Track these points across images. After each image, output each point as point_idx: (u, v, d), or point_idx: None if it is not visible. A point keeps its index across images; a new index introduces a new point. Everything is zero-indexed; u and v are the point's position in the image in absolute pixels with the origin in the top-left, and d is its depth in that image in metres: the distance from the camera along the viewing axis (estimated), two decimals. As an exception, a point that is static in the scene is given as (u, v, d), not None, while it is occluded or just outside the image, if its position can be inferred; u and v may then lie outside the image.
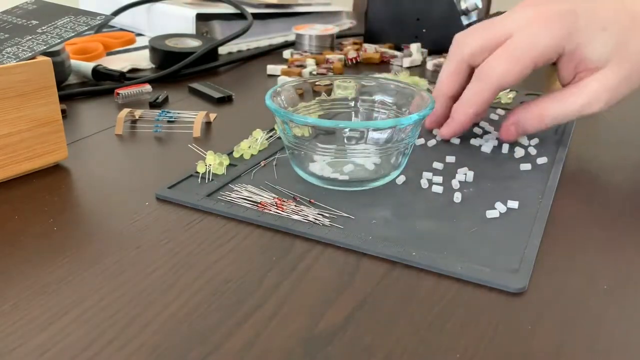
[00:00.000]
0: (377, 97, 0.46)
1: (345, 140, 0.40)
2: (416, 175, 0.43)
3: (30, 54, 0.43)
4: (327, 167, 0.41)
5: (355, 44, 0.86)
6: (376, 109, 0.46)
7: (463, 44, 0.46)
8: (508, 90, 0.62)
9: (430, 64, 0.75)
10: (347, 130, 0.40)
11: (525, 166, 0.44)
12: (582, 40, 0.43)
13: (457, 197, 0.39)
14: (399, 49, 0.83)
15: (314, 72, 0.70)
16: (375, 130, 0.39)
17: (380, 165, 0.41)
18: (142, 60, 0.76)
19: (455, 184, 0.41)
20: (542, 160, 0.45)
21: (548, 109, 0.45)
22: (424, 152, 0.47)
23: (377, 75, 0.65)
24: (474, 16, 0.83)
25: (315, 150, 0.40)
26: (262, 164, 0.44)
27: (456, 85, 0.47)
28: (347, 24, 1.04)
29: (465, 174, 0.42)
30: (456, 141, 0.49)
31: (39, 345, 0.26)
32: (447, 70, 0.47)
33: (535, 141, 0.49)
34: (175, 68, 0.68)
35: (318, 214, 0.37)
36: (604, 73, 0.43)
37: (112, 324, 0.27)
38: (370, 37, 0.86)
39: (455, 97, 0.48)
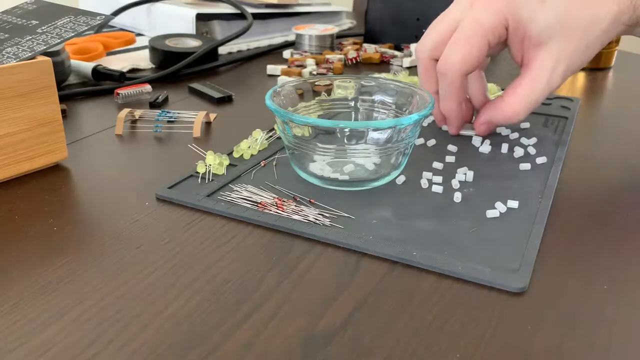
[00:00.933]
0: (377, 97, 0.46)
1: (345, 140, 0.40)
2: (416, 175, 0.43)
3: (30, 54, 0.43)
4: (327, 167, 0.41)
5: (355, 44, 0.86)
6: (376, 109, 0.46)
7: (422, 46, 0.48)
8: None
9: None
10: (347, 130, 0.40)
11: (525, 166, 0.44)
12: (524, 14, 0.44)
13: (457, 197, 0.39)
14: (399, 49, 0.83)
15: (314, 72, 0.70)
16: (375, 130, 0.39)
17: (380, 165, 0.41)
18: (142, 60, 0.76)
19: (455, 184, 0.41)
20: (541, 160, 0.45)
21: (516, 105, 0.45)
22: (424, 152, 0.47)
23: (377, 75, 0.65)
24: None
25: (315, 150, 0.40)
26: (262, 164, 0.45)
27: (434, 83, 0.48)
28: (347, 24, 1.04)
29: (465, 174, 0.42)
30: (454, 148, 0.49)
31: (39, 345, 0.26)
32: (420, 74, 0.49)
33: (534, 141, 0.49)
34: (175, 68, 0.68)
35: (318, 214, 0.37)
36: (550, 50, 0.44)
37: (112, 324, 0.28)
38: (370, 37, 0.86)
39: None
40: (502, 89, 0.62)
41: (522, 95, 0.45)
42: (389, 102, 0.45)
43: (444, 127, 0.52)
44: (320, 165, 0.41)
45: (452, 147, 0.48)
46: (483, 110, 0.48)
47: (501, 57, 0.83)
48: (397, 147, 0.39)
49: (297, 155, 0.41)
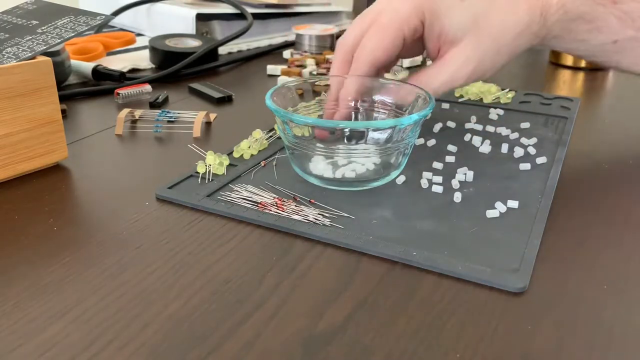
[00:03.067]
0: (377, 97, 0.46)
1: (346, 140, 0.40)
2: (416, 175, 0.43)
3: (30, 54, 0.43)
4: (327, 167, 0.41)
5: (355, 44, 0.86)
6: (376, 109, 0.46)
7: (344, 38, 0.47)
8: (507, 90, 0.62)
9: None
10: (347, 130, 0.40)
11: (525, 166, 0.44)
12: (441, 10, 0.44)
13: (457, 197, 0.39)
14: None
15: (314, 72, 0.70)
16: (375, 130, 0.39)
17: (380, 165, 0.40)
18: (142, 60, 0.76)
19: (455, 184, 0.41)
20: (541, 159, 0.45)
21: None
22: (424, 152, 0.47)
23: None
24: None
25: (315, 150, 0.40)
26: (262, 164, 0.45)
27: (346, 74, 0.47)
28: (347, 24, 1.04)
29: (465, 174, 0.42)
30: (454, 148, 0.49)
31: (39, 345, 0.26)
32: (335, 62, 0.48)
33: (534, 141, 0.49)
34: (176, 68, 0.68)
35: (318, 214, 0.37)
36: (462, 47, 0.45)
37: (112, 324, 0.28)
38: (370, 37, 0.86)
39: None
40: (503, 89, 0.62)
41: (422, 81, 0.45)
42: (389, 103, 0.45)
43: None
44: (321, 165, 0.41)
45: (452, 147, 0.48)
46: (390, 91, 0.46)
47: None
48: (397, 147, 0.39)
49: (297, 155, 0.41)
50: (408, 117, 0.38)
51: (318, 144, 0.40)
